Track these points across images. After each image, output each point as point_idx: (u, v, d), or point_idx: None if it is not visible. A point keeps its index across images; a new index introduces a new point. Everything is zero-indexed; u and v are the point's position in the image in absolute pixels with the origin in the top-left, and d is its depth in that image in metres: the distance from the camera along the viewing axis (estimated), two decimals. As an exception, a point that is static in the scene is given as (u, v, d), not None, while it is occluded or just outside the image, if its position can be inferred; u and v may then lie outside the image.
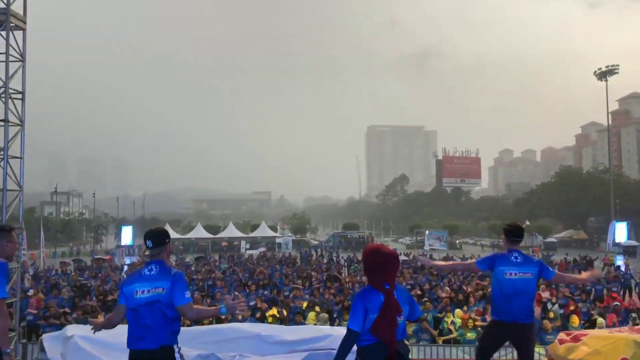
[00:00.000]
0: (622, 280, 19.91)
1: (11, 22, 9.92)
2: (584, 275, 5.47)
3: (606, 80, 63.14)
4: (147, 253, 4.25)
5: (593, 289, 16.66)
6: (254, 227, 74.75)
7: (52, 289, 16.08)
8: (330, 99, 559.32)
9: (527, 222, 70.85)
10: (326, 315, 10.75)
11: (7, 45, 9.98)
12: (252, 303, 12.66)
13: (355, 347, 3.76)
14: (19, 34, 10.37)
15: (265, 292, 15.01)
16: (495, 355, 6.62)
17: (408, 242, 77.94)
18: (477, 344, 5.39)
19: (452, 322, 10.99)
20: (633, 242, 55.16)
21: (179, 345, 4.12)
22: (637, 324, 10.18)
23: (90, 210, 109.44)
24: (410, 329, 10.07)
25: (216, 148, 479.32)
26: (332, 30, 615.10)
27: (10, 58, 10.12)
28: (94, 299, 15.03)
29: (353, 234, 73.85)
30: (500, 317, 4.93)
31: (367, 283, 3.89)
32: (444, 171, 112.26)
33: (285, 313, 11.38)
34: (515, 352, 6.15)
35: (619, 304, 12.36)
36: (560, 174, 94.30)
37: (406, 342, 9.08)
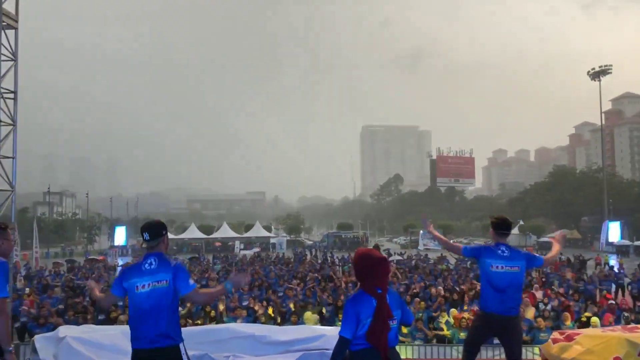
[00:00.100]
0: (616, 279, 20.04)
1: (3, 21, 9.86)
2: (556, 245, 5.48)
3: (599, 80, 63.50)
4: (144, 246, 4.18)
5: (585, 289, 16.76)
6: (248, 228, 74.64)
7: (45, 290, 16.02)
8: (324, 99, 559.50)
9: (521, 222, 71.12)
10: (316, 316, 10.75)
11: (-1, 44, 9.94)
12: (245, 303, 12.67)
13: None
14: (10, 33, 10.30)
15: (259, 292, 15.03)
16: (490, 354, 6.63)
17: (402, 241, 78.06)
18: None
19: (447, 322, 11.00)
20: (626, 242, 55.46)
21: (184, 344, 4.05)
22: (630, 323, 10.23)
23: (83, 211, 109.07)
24: (406, 329, 10.08)
25: (210, 148, 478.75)
26: (325, 30, 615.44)
27: (2, 57, 10.06)
28: (87, 299, 14.96)
29: (347, 234, 73.87)
30: (486, 309, 4.94)
31: (358, 285, 3.87)
32: (438, 171, 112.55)
33: (273, 312, 11.38)
34: None
35: (613, 302, 12.42)
36: (553, 173, 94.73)
37: (403, 339, 9.07)
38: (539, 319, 10.24)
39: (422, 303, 12.09)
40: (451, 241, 5.60)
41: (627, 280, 19.96)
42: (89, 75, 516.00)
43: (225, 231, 70.56)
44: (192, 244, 66.43)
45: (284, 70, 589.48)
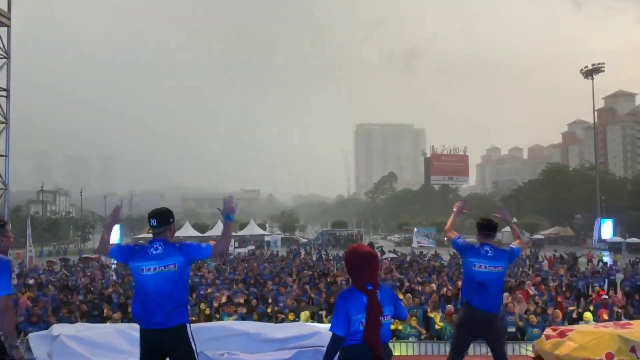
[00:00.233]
0: (607, 275, 20.19)
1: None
2: (513, 228, 5.62)
3: (592, 79, 63.78)
4: (150, 232, 4.18)
5: (577, 285, 16.89)
6: (243, 226, 74.53)
7: (40, 288, 15.97)
8: (319, 97, 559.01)
9: (515, 220, 71.28)
10: (307, 313, 10.78)
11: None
12: (239, 300, 12.68)
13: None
14: (3, 30, 10.27)
15: (254, 290, 15.05)
16: (484, 351, 6.66)
17: (397, 239, 78.24)
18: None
19: (442, 319, 11.03)
20: (618, 239, 55.73)
21: (190, 324, 4.06)
22: (621, 319, 10.31)
23: (77, 209, 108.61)
24: (400, 326, 10.10)
25: (204, 146, 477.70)
26: (319, 28, 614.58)
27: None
28: (82, 297, 14.93)
29: (342, 232, 73.93)
30: (469, 304, 5.00)
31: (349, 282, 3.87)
32: (432, 169, 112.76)
33: (270, 311, 11.40)
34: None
35: (607, 297, 12.51)
36: (547, 171, 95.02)
37: (400, 331, 9.09)
38: (531, 316, 10.30)
39: (416, 300, 12.12)
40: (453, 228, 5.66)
41: (618, 276, 20.11)
42: (82, 74, 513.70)
43: (220, 229, 70.19)
44: (187, 241, 66.17)
45: (278, 69, 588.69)
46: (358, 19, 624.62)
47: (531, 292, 13.88)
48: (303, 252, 43.30)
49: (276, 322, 10.21)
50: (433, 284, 15.15)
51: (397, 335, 9.67)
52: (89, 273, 23.26)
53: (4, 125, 8.84)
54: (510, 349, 7.03)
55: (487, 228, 5.12)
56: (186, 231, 70.15)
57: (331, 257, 32.77)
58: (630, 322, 7.07)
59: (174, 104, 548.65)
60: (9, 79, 9.17)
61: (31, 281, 19.27)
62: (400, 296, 12.75)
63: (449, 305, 11.93)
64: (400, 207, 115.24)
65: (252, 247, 55.12)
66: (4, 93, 9.10)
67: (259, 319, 10.31)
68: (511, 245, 5.24)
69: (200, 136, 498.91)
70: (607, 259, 31.06)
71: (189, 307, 4.13)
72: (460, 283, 14.49)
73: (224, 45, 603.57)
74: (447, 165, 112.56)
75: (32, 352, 6.07)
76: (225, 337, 6.21)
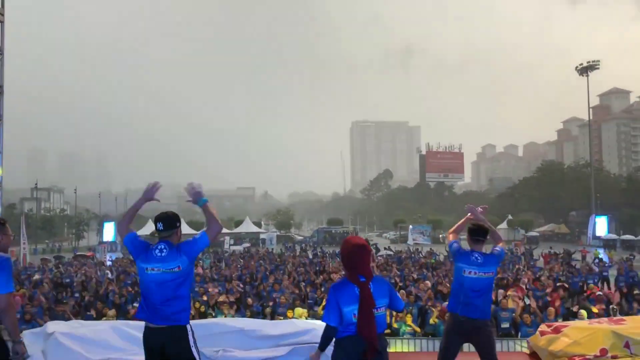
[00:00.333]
0: (601, 272, 20.29)
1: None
2: (491, 227, 5.56)
3: (587, 76, 63.99)
4: (156, 236, 4.18)
5: (571, 282, 16.95)
6: (238, 223, 74.44)
7: (35, 286, 15.91)
8: (314, 95, 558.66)
9: (510, 217, 71.62)
10: (303, 310, 10.77)
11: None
12: (233, 297, 12.68)
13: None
14: (-4, 26, 10.20)
15: (248, 287, 15.04)
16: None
17: (392, 236, 78.37)
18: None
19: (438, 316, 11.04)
20: (613, 236, 55.99)
21: (191, 325, 4.07)
22: (616, 315, 10.36)
23: (71, 207, 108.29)
24: (394, 324, 10.11)
25: (200, 144, 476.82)
26: (315, 26, 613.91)
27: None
28: (77, 294, 14.90)
29: (337, 229, 73.97)
30: (457, 312, 4.97)
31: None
32: (428, 166, 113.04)
33: (265, 310, 11.39)
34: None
35: (601, 294, 12.57)
36: (542, 168, 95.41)
37: (397, 328, 9.08)
38: (525, 315, 10.33)
39: (412, 297, 12.13)
40: (451, 235, 5.63)
41: (612, 272, 20.22)
42: (77, 70, 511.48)
43: (215, 226, 70.23)
44: (182, 239, 66.07)
45: (274, 67, 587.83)
46: (353, 16, 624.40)
47: (525, 289, 13.93)
48: (299, 250, 43.39)
49: (271, 319, 10.21)
50: (428, 281, 15.18)
51: (392, 332, 9.68)
52: (84, 271, 23.18)
53: (-3, 122, 8.83)
54: (504, 345, 7.05)
55: (478, 233, 5.12)
56: (181, 228, 70.07)
57: (327, 254, 32.79)
58: (624, 318, 7.10)
59: (169, 101, 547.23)
60: (2, 75, 9.05)
61: (25, 279, 19.21)
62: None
63: (444, 304, 11.95)
64: (396, 205, 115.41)
65: (248, 245, 55.17)
66: (-2, 89, 9.07)
67: (252, 316, 10.31)
68: (496, 248, 5.23)
69: (196, 134, 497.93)
70: (601, 255, 31.15)
71: (190, 308, 4.12)
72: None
73: (219, 43, 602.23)
74: (442, 163, 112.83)
75: (26, 349, 6.04)
76: (221, 334, 6.19)
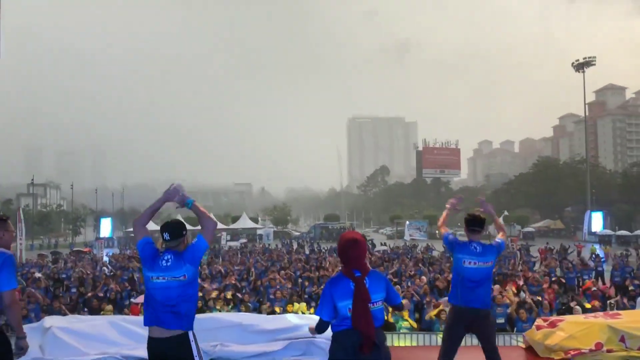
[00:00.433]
0: (596, 267, 20.40)
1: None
2: (496, 220, 5.61)
3: (583, 72, 64.04)
4: (164, 246, 4.18)
5: (567, 277, 17.04)
6: (235, 219, 74.44)
7: (33, 281, 15.89)
8: (311, 90, 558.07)
9: (506, 213, 71.83)
10: (302, 305, 10.81)
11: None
12: (230, 293, 12.70)
13: (330, 333, 3.80)
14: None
15: (245, 283, 15.06)
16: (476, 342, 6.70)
17: (389, 232, 78.53)
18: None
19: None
20: (608, 231, 56.18)
21: (194, 332, 4.08)
22: (614, 309, 10.42)
23: (68, 203, 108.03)
24: (391, 319, 10.14)
25: (196, 139, 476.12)
26: (311, 21, 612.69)
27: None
28: (73, 290, 14.90)
29: (334, 225, 74.09)
30: (459, 303, 5.00)
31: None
32: (424, 162, 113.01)
33: (261, 306, 11.42)
34: None
35: (596, 289, 12.64)
36: (538, 164, 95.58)
37: (393, 323, 9.11)
38: (521, 310, 10.38)
39: (408, 293, 12.18)
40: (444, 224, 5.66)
41: (607, 267, 20.34)
42: (73, 66, 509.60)
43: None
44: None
45: (270, 62, 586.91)
46: (350, 11, 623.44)
47: (521, 284, 13.99)
48: (296, 245, 43.48)
49: (268, 314, 10.23)
50: (424, 277, 15.23)
51: (389, 327, 9.72)
52: (81, 266, 23.16)
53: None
54: (500, 340, 7.08)
55: (474, 224, 5.15)
56: (178, 225, 69.96)
57: (324, 250, 32.86)
58: (620, 312, 7.15)
59: (165, 97, 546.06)
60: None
61: (23, 274, 19.18)
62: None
63: (441, 299, 12.00)
64: (392, 200, 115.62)
65: (244, 241, 55.16)
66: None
67: (246, 311, 10.33)
68: (496, 240, 5.27)
69: (192, 130, 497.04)
70: (599, 251, 31.30)
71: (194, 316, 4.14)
72: (450, 276, 14.59)
73: (214, 38, 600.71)
74: (438, 159, 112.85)
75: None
76: (218, 329, 6.22)
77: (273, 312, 10.54)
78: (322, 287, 13.16)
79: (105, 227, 59.70)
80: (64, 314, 9.51)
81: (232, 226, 70.49)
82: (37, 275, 18.40)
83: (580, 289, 14.28)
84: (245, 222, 70.92)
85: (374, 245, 38.90)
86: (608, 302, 11.81)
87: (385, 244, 39.63)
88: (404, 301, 4.21)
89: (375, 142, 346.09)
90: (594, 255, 25.81)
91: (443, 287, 13.68)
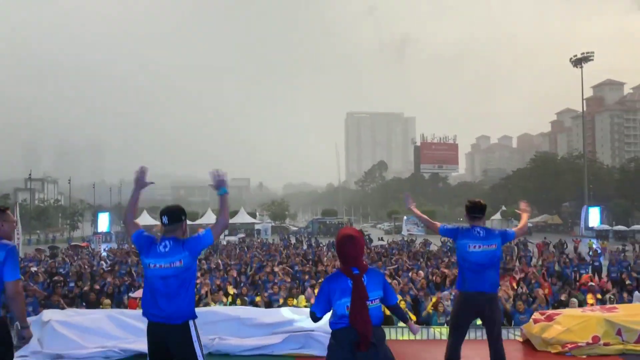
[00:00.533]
0: (592, 262, 20.44)
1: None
2: (524, 215, 5.61)
3: (581, 67, 63.99)
4: (160, 232, 4.19)
5: (564, 271, 17.09)
6: (233, 214, 74.27)
7: (31, 276, 15.87)
8: (309, 86, 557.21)
9: (503, 207, 71.92)
10: (302, 297, 10.84)
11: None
12: (230, 288, 12.70)
13: (330, 330, 3.78)
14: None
15: (243, 278, 15.08)
16: (479, 335, 6.72)
17: (386, 227, 78.56)
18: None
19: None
20: (605, 227, 56.28)
21: (194, 320, 4.07)
22: (613, 303, 10.45)
23: (65, 197, 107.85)
24: (387, 312, 10.16)
25: (194, 135, 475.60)
26: (310, 17, 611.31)
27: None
28: (71, 284, 14.88)
29: (332, 220, 74.01)
30: (466, 289, 5.01)
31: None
32: (422, 157, 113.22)
33: (259, 299, 11.44)
34: None
35: (594, 284, 12.68)
36: (535, 160, 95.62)
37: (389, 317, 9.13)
38: (519, 303, 10.41)
39: (405, 287, 12.20)
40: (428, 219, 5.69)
41: (603, 262, 20.39)
42: (71, 63, 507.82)
43: (210, 217, 70.02)
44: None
45: (268, 57, 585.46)
46: (349, 7, 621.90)
47: (518, 278, 14.03)
48: (294, 240, 43.56)
49: (266, 308, 10.25)
50: (421, 271, 15.25)
51: (387, 321, 9.74)
52: (79, 261, 23.15)
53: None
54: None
55: (475, 210, 5.17)
56: (176, 219, 69.90)
57: (322, 245, 32.89)
58: (616, 306, 7.19)
59: (163, 92, 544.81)
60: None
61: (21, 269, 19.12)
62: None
63: (446, 292, 12.02)
64: (390, 196, 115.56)
65: (243, 235, 55.21)
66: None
67: (243, 304, 10.35)
68: (506, 228, 5.31)
69: (191, 125, 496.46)
70: (596, 246, 31.35)
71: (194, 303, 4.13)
72: (447, 271, 14.61)
73: (213, 34, 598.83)
74: (436, 154, 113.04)
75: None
76: (217, 322, 6.23)
77: (269, 305, 10.58)
78: (320, 280, 13.20)
79: (103, 222, 59.64)
80: (62, 308, 9.51)
81: (230, 221, 70.22)
82: (34, 269, 18.39)
83: (577, 283, 14.29)
84: (243, 217, 70.87)
85: (371, 241, 38.92)
86: (607, 296, 11.85)
87: (382, 239, 39.66)
88: (402, 304, 4.22)
89: (373, 137, 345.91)
90: (590, 250, 25.90)
91: (440, 282, 13.71)
